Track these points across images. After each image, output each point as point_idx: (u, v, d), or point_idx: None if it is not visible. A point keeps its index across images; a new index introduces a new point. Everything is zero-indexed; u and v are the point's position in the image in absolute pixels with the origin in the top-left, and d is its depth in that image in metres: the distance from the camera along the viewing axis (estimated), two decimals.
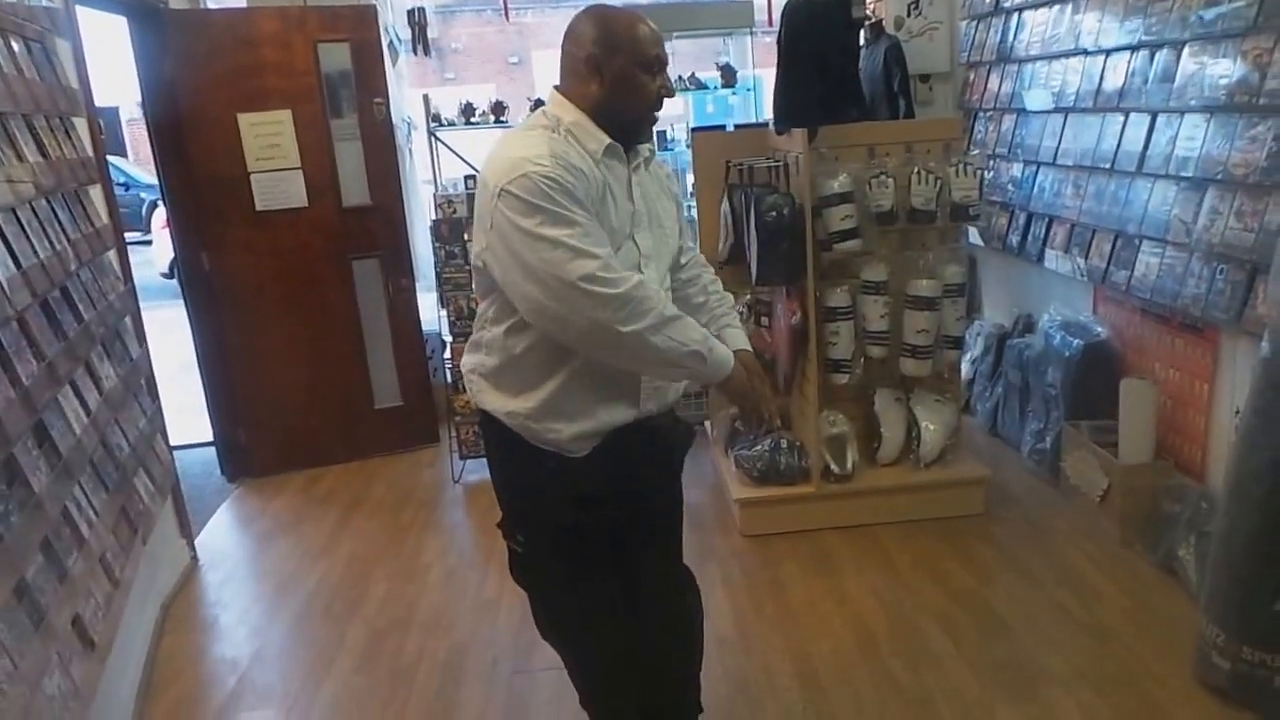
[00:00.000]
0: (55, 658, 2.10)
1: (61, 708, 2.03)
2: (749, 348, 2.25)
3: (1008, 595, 3.26)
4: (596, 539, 2.16)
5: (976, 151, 4.41)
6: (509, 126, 4.78)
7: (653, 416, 2.14)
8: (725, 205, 3.93)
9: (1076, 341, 3.80)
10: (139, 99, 4.52)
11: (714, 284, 2.36)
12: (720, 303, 2.32)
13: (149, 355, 3.62)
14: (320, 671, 3.09)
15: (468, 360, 2.18)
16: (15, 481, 2.12)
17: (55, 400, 2.48)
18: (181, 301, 4.64)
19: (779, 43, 3.84)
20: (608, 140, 1.99)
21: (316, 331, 4.72)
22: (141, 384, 3.45)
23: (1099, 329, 3.81)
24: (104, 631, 2.44)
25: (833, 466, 3.75)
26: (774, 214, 3.43)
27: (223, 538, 4.20)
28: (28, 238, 2.52)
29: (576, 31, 2.01)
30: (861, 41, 4.13)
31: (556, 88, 2.06)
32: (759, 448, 3.82)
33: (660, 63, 2.02)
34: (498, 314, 2.07)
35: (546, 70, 17.66)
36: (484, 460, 4.54)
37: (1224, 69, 3.05)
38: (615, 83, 1.97)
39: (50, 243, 2.67)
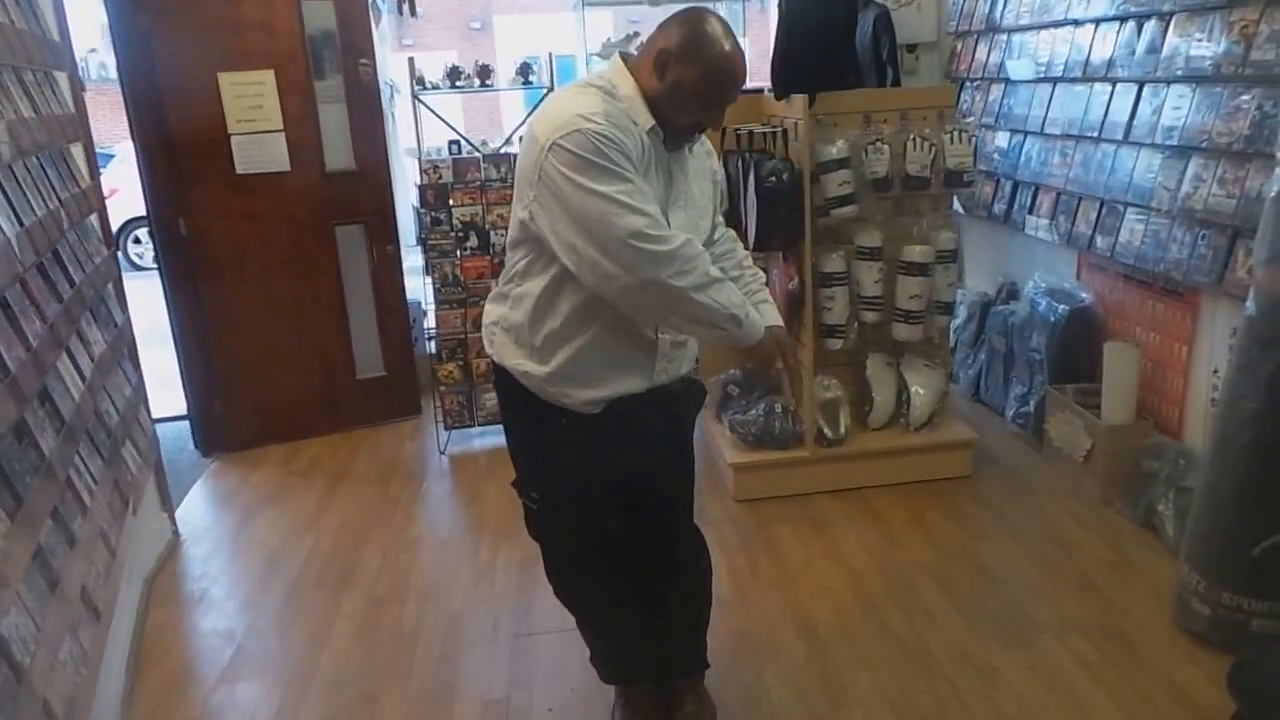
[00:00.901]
0: (67, 623, 2.09)
1: (74, 672, 2.02)
2: (780, 324, 2.29)
3: (996, 551, 3.35)
4: (609, 496, 2.22)
5: (971, 118, 4.48)
6: (494, 90, 4.75)
7: (664, 386, 2.20)
8: (721, 171, 3.94)
9: (1061, 307, 3.90)
10: (112, 56, 4.37)
11: (746, 259, 2.39)
12: (754, 278, 2.35)
13: (131, 323, 3.57)
14: (319, 641, 3.06)
15: (491, 311, 2.21)
16: (26, 443, 2.09)
17: (55, 364, 2.44)
18: (134, 271, 4.51)
19: (780, 9, 3.86)
20: (653, 122, 2.00)
21: (297, 299, 4.63)
22: (125, 351, 3.39)
23: (1083, 295, 3.91)
24: (105, 600, 2.41)
25: (826, 431, 3.81)
26: (773, 179, 3.46)
27: (202, 512, 4.12)
28: (25, 196, 2.47)
29: (674, 25, 1.99)
30: None
31: (624, 56, 2.07)
32: (753, 413, 3.86)
33: (720, 110, 2.04)
34: (527, 268, 2.09)
35: (510, 35, 17.35)
36: (469, 430, 4.62)
37: (1210, 40, 3.12)
38: (671, 91, 1.98)
39: (44, 202, 2.62)
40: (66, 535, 2.19)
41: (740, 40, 2.07)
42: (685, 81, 1.96)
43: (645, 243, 1.87)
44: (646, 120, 1.99)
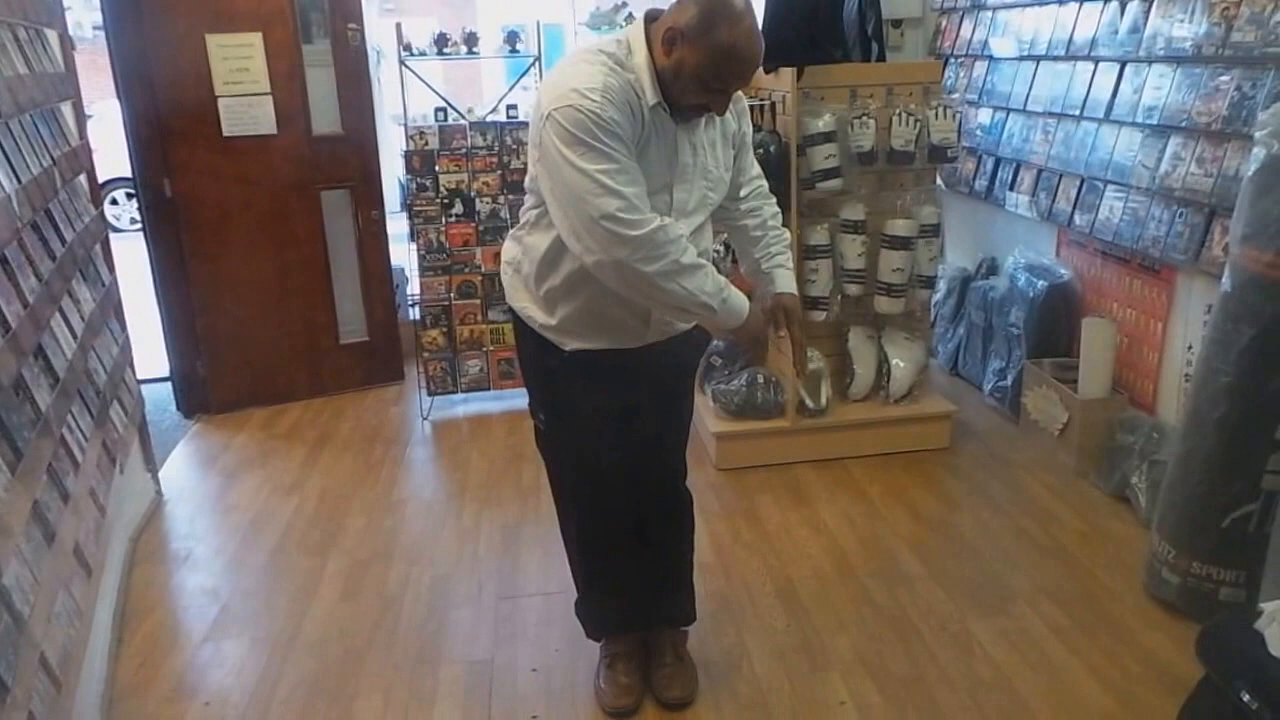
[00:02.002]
0: (62, 577, 2.11)
1: (68, 624, 2.06)
2: (794, 290, 2.33)
3: (973, 521, 3.42)
4: (609, 423, 2.31)
5: (956, 94, 4.51)
6: (480, 58, 4.73)
7: (663, 340, 2.29)
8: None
9: (1040, 283, 3.96)
10: (87, 15, 4.33)
11: (775, 218, 2.41)
12: (776, 240, 2.38)
13: (118, 283, 3.57)
14: (304, 600, 3.09)
15: (509, 249, 2.33)
16: (23, 398, 2.11)
17: (49, 321, 2.46)
18: (111, 233, 4.49)
19: None
20: (658, 99, 2.01)
21: (281, 263, 4.63)
22: (112, 311, 3.40)
23: (1062, 271, 3.97)
24: (95, 556, 2.44)
25: (807, 402, 3.86)
26: (760, 151, 3.47)
27: (185, 473, 4.13)
28: (22, 153, 2.47)
29: (691, 1, 1.95)
30: None
31: (648, 19, 2.04)
32: (735, 383, 3.91)
33: (725, 95, 2.01)
34: (537, 219, 2.19)
35: (493, 2, 17.05)
36: (452, 397, 4.65)
37: (1192, 21, 3.17)
38: (675, 70, 1.97)
39: (38, 160, 2.62)
40: (61, 491, 2.22)
41: None
42: (688, 62, 1.94)
43: (615, 225, 1.91)
44: (652, 96, 1.99)
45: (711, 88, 1.97)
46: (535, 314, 2.25)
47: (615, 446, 2.33)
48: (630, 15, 5.30)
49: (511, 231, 2.34)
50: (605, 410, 2.30)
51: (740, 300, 2.13)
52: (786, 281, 2.32)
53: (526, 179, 2.20)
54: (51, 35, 3.18)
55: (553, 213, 2.02)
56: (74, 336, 2.66)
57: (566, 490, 2.51)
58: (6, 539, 1.76)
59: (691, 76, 1.95)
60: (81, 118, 3.46)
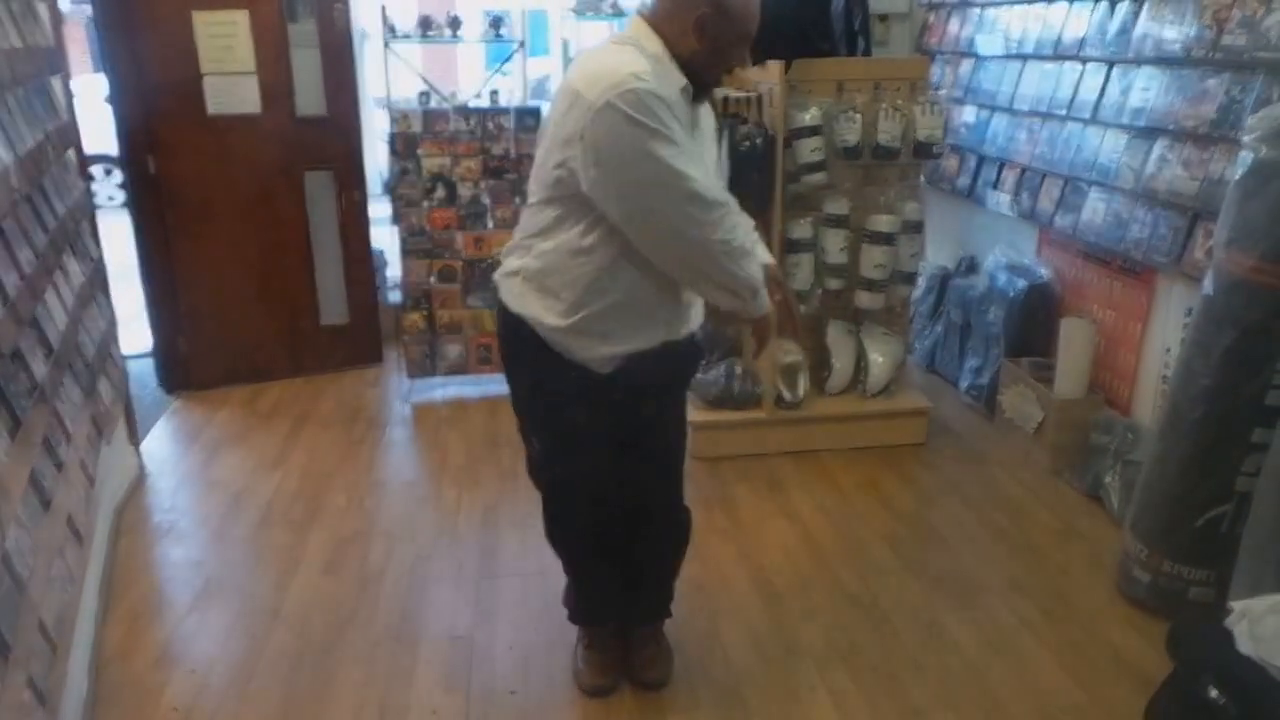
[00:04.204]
0: (56, 544, 2.14)
1: (61, 589, 2.09)
2: (773, 261, 2.36)
3: (947, 516, 3.46)
4: (608, 449, 2.29)
5: (943, 91, 4.54)
6: (464, 42, 4.72)
7: (675, 341, 2.26)
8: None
9: (1020, 282, 3.99)
10: None
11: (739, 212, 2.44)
12: (746, 222, 2.38)
13: (104, 258, 3.57)
14: (287, 574, 3.12)
15: (512, 263, 2.22)
16: (20, 367, 2.13)
17: (44, 293, 2.47)
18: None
19: None
20: (684, 81, 2.03)
21: (264, 243, 4.62)
22: (99, 286, 3.40)
23: (1042, 271, 4.00)
24: (85, 525, 2.46)
25: (785, 394, 3.88)
26: (747, 143, 3.50)
27: (167, 448, 4.13)
28: (18, 126, 2.47)
29: None
30: None
31: (643, 16, 2.07)
32: (714, 373, 3.93)
33: (752, 36, 2.07)
34: (556, 224, 2.10)
35: None
36: (431, 380, 4.64)
37: (1182, 23, 3.19)
38: (714, 47, 2.01)
39: (32, 133, 2.62)
40: (55, 460, 2.24)
41: None
42: (727, 34, 2.01)
43: (698, 208, 1.94)
44: (679, 79, 2.02)
45: (749, 40, 2.06)
46: (552, 319, 2.13)
47: (614, 474, 2.32)
48: (615, 1, 5.30)
49: (515, 242, 2.22)
50: (607, 434, 2.27)
51: (765, 290, 2.17)
52: (765, 253, 2.33)
53: (539, 191, 2.12)
54: (41, 8, 3.17)
55: (614, 207, 1.97)
56: (65, 309, 2.68)
57: (560, 515, 2.48)
58: (7, 503, 1.79)
59: (731, 44, 2.03)
60: (69, 92, 3.45)
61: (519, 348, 2.25)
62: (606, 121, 1.89)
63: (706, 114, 2.24)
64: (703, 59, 2.03)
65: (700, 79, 2.06)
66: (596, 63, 2.00)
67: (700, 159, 2.09)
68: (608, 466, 2.31)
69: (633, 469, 2.35)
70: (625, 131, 1.89)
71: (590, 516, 2.41)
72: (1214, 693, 1.92)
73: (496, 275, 2.27)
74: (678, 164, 1.92)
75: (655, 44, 2.03)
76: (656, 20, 2.04)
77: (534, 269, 2.15)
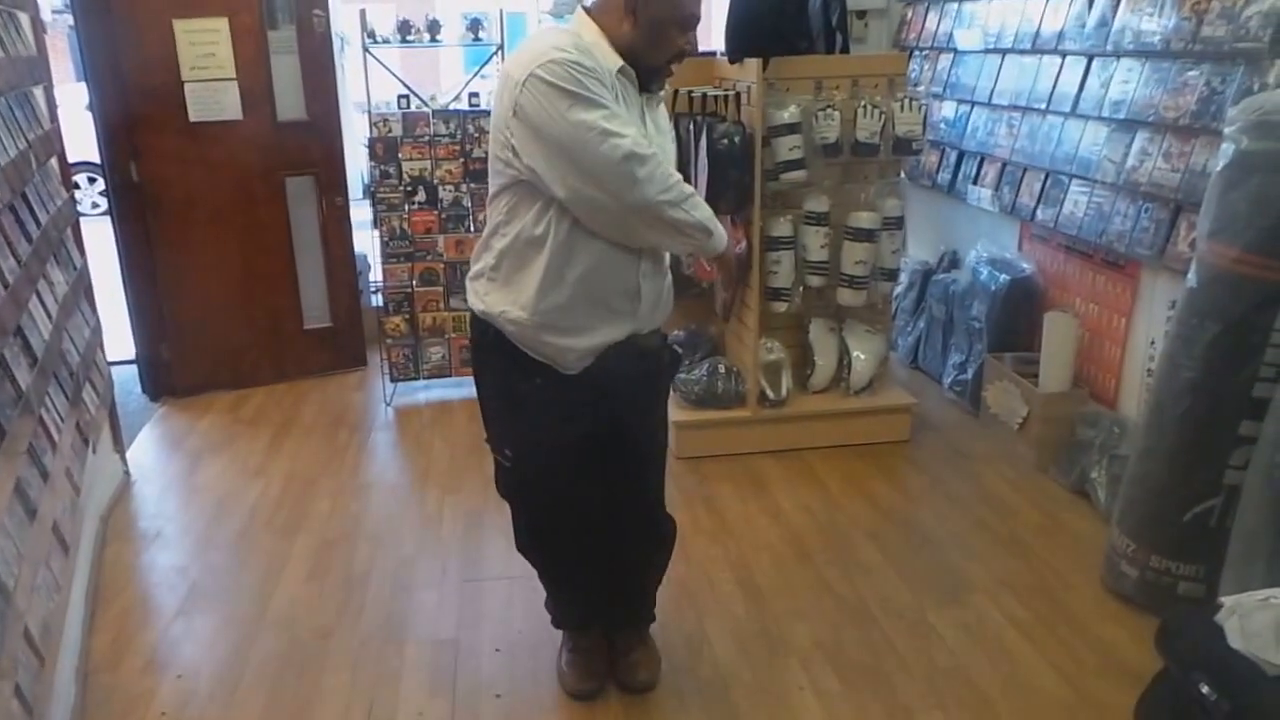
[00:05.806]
0: (42, 552, 2.14)
1: (47, 597, 2.09)
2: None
3: (932, 513, 3.46)
4: (581, 456, 2.26)
5: (922, 86, 4.54)
6: (444, 46, 4.71)
7: (643, 335, 2.24)
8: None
9: (1002, 277, 3.99)
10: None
11: None
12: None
13: (88, 266, 3.57)
14: (272, 579, 3.11)
15: (477, 266, 2.24)
16: (3, 377, 2.13)
17: (28, 302, 2.48)
18: None
19: None
20: (621, 62, 2.04)
21: (246, 248, 4.62)
22: (83, 294, 3.41)
23: (1025, 265, 4.00)
24: (71, 533, 2.46)
25: (768, 392, 3.88)
26: (725, 141, 3.49)
27: (152, 455, 4.13)
28: (4, 135, 2.47)
29: None
30: None
31: (585, 8, 2.10)
32: (696, 372, 3.92)
33: (694, 21, 2.08)
34: (509, 215, 2.13)
35: None
36: (414, 384, 4.63)
37: (1161, 15, 3.19)
38: (646, 28, 2.03)
39: (15, 142, 2.62)
40: (40, 469, 2.25)
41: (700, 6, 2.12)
42: (657, 13, 2.02)
43: (635, 164, 1.94)
44: (614, 61, 2.04)
45: (688, 24, 2.07)
46: (516, 314, 2.12)
47: (589, 483, 2.30)
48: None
49: (481, 242, 2.23)
50: (580, 441, 2.24)
51: (719, 225, 2.17)
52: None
53: (491, 186, 2.16)
54: (24, 18, 3.17)
55: (552, 178, 1.99)
56: (49, 318, 2.69)
57: (535, 525, 2.45)
58: None
59: (670, 23, 2.04)
60: (52, 101, 3.44)
61: (487, 353, 2.26)
62: (532, 91, 1.94)
63: (663, 115, 2.26)
64: (641, 43, 2.05)
65: (641, 64, 2.08)
66: (524, 46, 2.07)
67: (635, 124, 2.10)
68: (582, 475, 2.29)
69: (608, 476, 2.33)
70: (552, 98, 1.93)
71: (566, 525, 2.38)
72: (1206, 689, 1.91)
73: (467, 280, 2.29)
74: (605, 124, 1.93)
75: (591, 32, 2.06)
76: (595, 11, 2.09)
77: (495, 266, 2.17)
